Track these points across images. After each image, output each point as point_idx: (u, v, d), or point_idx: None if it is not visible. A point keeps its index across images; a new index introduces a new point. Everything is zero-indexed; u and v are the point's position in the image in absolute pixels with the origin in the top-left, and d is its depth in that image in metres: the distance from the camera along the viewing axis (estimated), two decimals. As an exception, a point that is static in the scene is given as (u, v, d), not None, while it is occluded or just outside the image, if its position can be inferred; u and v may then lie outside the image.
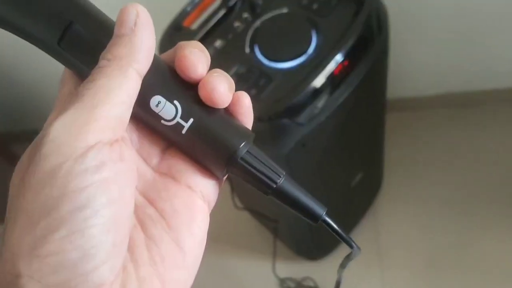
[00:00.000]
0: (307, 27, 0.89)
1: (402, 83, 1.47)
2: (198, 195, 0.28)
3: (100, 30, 0.27)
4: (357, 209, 1.44)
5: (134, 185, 0.25)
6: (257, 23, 0.92)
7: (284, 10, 0.92)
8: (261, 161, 0.27)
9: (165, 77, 0.27)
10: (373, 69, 0.92)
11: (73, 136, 0.22)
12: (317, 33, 0.88)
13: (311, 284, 1.40)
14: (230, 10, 0.95)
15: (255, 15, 0.93)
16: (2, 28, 0.27)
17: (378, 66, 0.97)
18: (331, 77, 0.85)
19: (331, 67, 0.84)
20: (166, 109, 0.26)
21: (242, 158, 0.27)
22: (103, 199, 0.22)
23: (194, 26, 0.98)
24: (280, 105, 0.83)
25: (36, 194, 0.22)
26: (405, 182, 1.52)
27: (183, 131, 0.27)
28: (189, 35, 0.95)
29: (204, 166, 0.28)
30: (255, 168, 0.27)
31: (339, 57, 0.84)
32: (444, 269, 1.39)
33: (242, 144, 0.27)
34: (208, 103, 0.27)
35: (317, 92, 0.84)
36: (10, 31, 0.27)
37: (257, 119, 0.82)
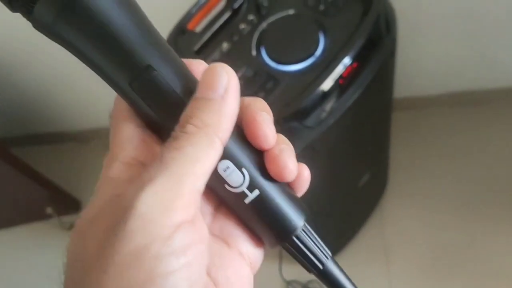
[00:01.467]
0: (314, 29, 0.88)
1: (408, 82, 1.47)
2: (247, 262, 0.27)
3: (179, 81, 0.26)
4: (363, 209, 1.43)
5: (208, 262, 0.24)
6: (263, 25, 0.91)
7: (291, 12, 0.91)
8: (313, 241, 0.27)
9: (236, 141, 0.26)
10: (381, 70, 0.91)
11: (161, 213, 0.21)
12: (325, 34, 0.87)
13: (317, 286, 1.39)
14: (235, 12, 0.94)
15: (261, 17, 0.92)
16: (70, 51, 0.27)
17: (386, 67, 0.96)
18: (340, 80, 0.84)
19: (339, 69, 0.83)
20: (234, 176, 0.26)
21: (297, 236, 0.27)
22: (185, 284, 0.22)
23: (199, 28, 0.96)
24: (288, 109, 0.82)
25: (120, 274, 0.21)
26: (411, 181, 1.51)
27: (246, 201, 0.26)
28: (194, 38, 0.94)
29: (257, 235, 0.28)
30: (307, 247, 0.27)
31: (347, 60, 0.83)
32: (450, 268, 1.38)
33: (302, 225, 0.27)
34: (276, 178, 0.26)
35: (325, 95, 0.83)
36: (77, 57, 0.27)
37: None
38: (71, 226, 1.67)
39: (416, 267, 1.40)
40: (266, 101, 0.86)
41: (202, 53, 0.91)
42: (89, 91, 1.64)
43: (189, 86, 0.26)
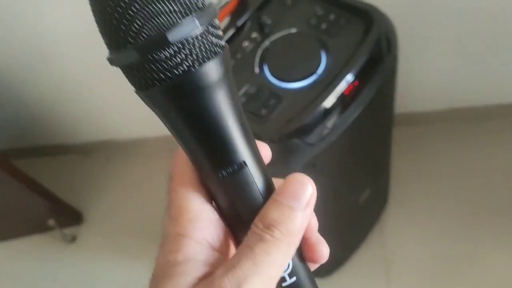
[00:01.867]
0: (316, 47, 0.89)
1: (409, 97, 1.48)
2: None
3: (262, 179, 0.28)
4: (364, 225, 1.44)
5: None
6: (266, 43, 0.92)
7: (293, 30, 0.92)
8: None
9: None
10: (382, 88, 0.92)
11: None
12: (327, 52, 0.88)
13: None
14: (238, 30, 0.96)
15: (264, 35, 0.93)
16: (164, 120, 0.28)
17: (387, 84, 0.97)
18: (342, 98, 0.85)
19: (341, 87, 0.84)
20: None
21: None
22: None
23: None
24: (290, 126, 0.83)
25: None
26: (411, 197, 1.52)
27: (283, 285, 0.29)
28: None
29: None
30: None
31: (349, 77, 0.84)
32: (450, 282, 1.38)
33: None
34: (310, 261, 0.30)
35: (327, 112, 0.84)
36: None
37: (267, 139, 0.82)
38: (72, 239, 1.68)
39: (417, 282, 1.40)
40: (268, 118, 0.87)
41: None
42: (90, 104, 1.66)
43: (269, 185, 0.29)
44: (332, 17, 0.92)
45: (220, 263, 0.27)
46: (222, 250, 0.28)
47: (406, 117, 1.57)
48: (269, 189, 0.29)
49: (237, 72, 0.90)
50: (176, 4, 0.24)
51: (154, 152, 1.83)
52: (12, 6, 1.29)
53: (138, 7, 0.23)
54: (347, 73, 0.84)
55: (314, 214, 0.30)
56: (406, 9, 1.21)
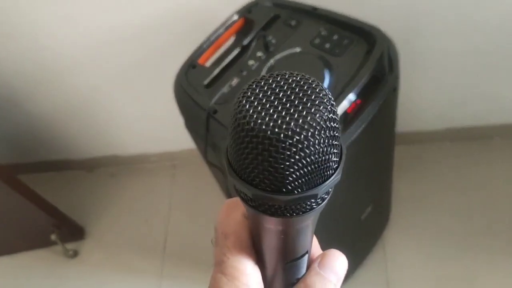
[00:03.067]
0: (320, 66, 0.91)
1: (410, 116, 1.50)
2: None
3: (310, 259, 0.32)
4: (366, 242, 1.44)
5: None
6: (271, 61, 0.94)
7: (297, 49, 0.95)
8: None
9: None
10: (384, 106, 0.94)
11: None
12: (330, 71, 0.91)
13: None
14: (244, 48, 0.98)
15: (269, 53, 0.96)
16: None
17: (389, 103, 0.99)
18: (344, 116, 0.87)
19: (344, 105, 0.86)
20: None
21: None
22: None
23: (209, 63, 1.00)
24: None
25: None
26: (413, 215, 1.53)
27: None
28: (204, 72, 0.97)
29: None
30: None
31: (352, 96, 0.86)
32: (452, 302, 1.39)
33: None
34: None
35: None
36: None
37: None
38: (74, 254, 1.68)
39: (418, 301, 1.40)
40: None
41: (211, 86, 0.95)
42: (95, 120, 1.68)
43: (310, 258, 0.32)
44: (335, 37, 0.94)
45: None
46: None
47: (407, 136, 1.58)
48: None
49: (242, 90, 0.92)
50: (333, 160, 0.25)
51: (158, 168, 1.85)
52: (20, 25, 1.32)
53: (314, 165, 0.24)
54: (349, 91, 0.86)
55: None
56: (407, 30, 1.24)
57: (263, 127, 0.23)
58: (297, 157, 0.23)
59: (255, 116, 0.23)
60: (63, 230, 1.64)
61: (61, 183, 1.87)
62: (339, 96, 0.86)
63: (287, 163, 0.23)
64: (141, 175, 1.85)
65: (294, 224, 0.27)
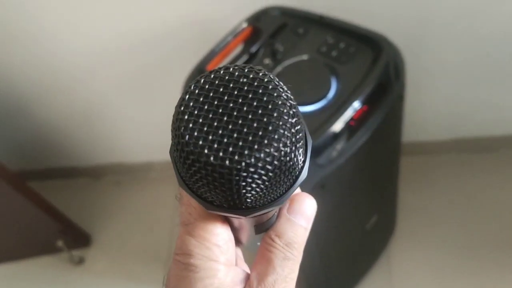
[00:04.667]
0: (327, 73, 0.93)
1: (416, 127, 1.50)
2: None
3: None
4: (371, 252, 1.44)
5: None
6: (279, 68, 0.96)
7: (304, 57, 0.96)
8: None
9: None
10: (390, 114, 0.95)
11: None
12: (337, 79, 0.92)
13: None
14: (252, 56, 1.00)
15: (276, 61, 0.97)
16: None
17: (395, 111, 1.00)
18: (350, 122, 0.88)
19: (350, 112, 0.87)
20: None
21: None
22: None
23: (217, 70, 1.02)
24: (301, 148, 0.86)
25: None
26: (418, 226, 1.52)
27: None
28: (212, 79, 0.98)
29: None
30: None
31: (358, 103, 0.87)
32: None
33: None
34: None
35: (336, 136, 0.87)
36: None
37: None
38: (80, 261, 1.68)
39: (424, 313, 1.39)
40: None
41: (219, 93, 0.96)
42: (102, 128, 1.69)
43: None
44: (342, 45, 0.96)
45: (239, 277, 0.29)
46: (234, 263, 0.30)
47: (413, 147, 1.58)
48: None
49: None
50: (295, 171, 0.24)
51: (164, 176, 1.85)
52: (29, 32, 1.34)
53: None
54: (356, 98, 0.87)
55: None
56: (414, 39, 1.25)
57: (210, 159, 0.20)
58: (253, 185, 0.21)
59: (199, 143, 0.21)
60: (69, 237, 1.65)
61: (68, 191, 1.88)
62: (345, 103, 0.87)
63: (242, 192, 0.22)
64: (147, 184, 1.86)
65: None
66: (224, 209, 0.24)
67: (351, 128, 0.88)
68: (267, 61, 0.98)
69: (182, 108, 0.21)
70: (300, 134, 0.23)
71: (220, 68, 0.23)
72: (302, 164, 0.24)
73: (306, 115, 0.89)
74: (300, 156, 0.24)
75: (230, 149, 0.20)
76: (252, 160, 0.20)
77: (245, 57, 1.00)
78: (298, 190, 0.31)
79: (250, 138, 0.20)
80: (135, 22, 1.30)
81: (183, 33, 1.31)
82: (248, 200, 0.23)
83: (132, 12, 1.28)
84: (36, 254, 1.72)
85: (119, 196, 1.85)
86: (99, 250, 1.73)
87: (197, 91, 0.22)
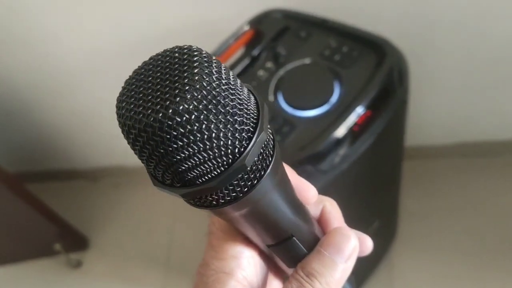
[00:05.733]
0: (330, 78, 0.91)
1: (419, 131, 1.49)
2: None
3: (308, 240, 0.30)
4: (372, 258, 1.42)
5: None
6: (281, 72, 0.94)
7: (307, 61, 0.95)
8: None
9: None
10: (393, 119, 0.94)
11: None
12: (340, 83, 0.91)
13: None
14: (254, 59, 0.98)
15: (279, 64, 0.96)
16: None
17: (398, 116, 0.99)
18: (354, 127, 0.86)
19: (353, 117, 0.86)
20: None
21: None
22: None
23: (218, 73, 1.00)
24: (303, 153, 0.84)
25: None
26: (420, 231, 1.51)
27: None
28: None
29: None
30: None
31: (361, 108, 0.86)
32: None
33: None
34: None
35: (339, 141, 0.86)
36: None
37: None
38: (78, 264, 1.67)
39: (425, 319, 1.38)
40: (282, 145, 0.89)
41: (220, 96, 0.95)
42: (101, 130, 1.68)
43: (315, 236, 0.30)
44: (345, 49, 0.94)
45: None
46: (257, 286, 0.29)
47: (415, 151, 1.57)
48: (315, 239, 0.30)
49: (251, 100, 0.92)
50: (238, 138, 0.23)
51: (163, 180, 1.84)
52: (29, 35, 1.33)
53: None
54: (359, 103, 0.86)
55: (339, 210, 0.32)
56: (417, 44, 1.24)
57: (140, 118, 0.22)
58: (180, 143, 0.22)
59: (128, 113, 0.23)
60: (67, 240, 1.64)
61: (66, 193, 1.87)
62: (348, 108, 0.86)
63: (176, 154, 0.22)
64: (146, 186, 1.83)
65: (240, 209, 0.25)
66: (175, 188, 0.24)
67: (354, 133, 0.87)
68: (269, 64, 0.97)
69: (118, 98, 0.24)
70: (233, 109, 0.22)
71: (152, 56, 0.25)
72: (239, 146, 0.23)
73: (309, 120, 0.87)
74: (230, 132, 0.22)
75: (154, 106, 0.22)
76: (172, 108, 0.21)
77: (246, 60, 0.99)
78: (339, 223, 0.30)
79: (167, 94, 0.21)
80: (136, 25, 1.29)
81: (183, 36, 1.29)
82: (185, 165, 0.22)
83: (133, 15, 1.27)
84: (33, 257, 1.70)
85: (117, 198, 1.84)
86: (97, 254, 1.71)
87: (129, 81, 0.24)
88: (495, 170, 1.58)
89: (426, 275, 1.44)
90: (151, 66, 0.24)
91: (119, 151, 1.78)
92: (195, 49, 0.23)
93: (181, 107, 0.21)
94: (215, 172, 0.23)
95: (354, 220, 1.18)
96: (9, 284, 1.70)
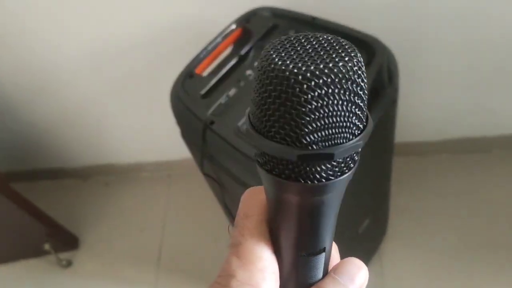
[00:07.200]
0: (319, 77, 0.90)
1: (408, 128, 1.49)
2: None
3: (329, 259, 0.31)
4: (363, 255, 1.42)
5: None
6: (269, 72, 0.93)
7: (296, 60, 0.93)
8: None
9: None
10: (383, 119, 0.93)
11: None
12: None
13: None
14: (242, 58, 0.97)
15: (267, 64, 0.94)
16: None
17: (388, 116, 0.98)
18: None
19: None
20: None
21: None
22: None
23: (206, 73, 0.99)
24: (292, 154, 0.83)
25: None
26: (410, 227, 1.51)
27: None
28: (201, 82, 0.96)
29: None
30: None
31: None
32: (450, 316, 1.37)
33: None
34: None
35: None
36: None
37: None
38: (68, 264, 1.66)
39: (416, 315, 1.38)
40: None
41: (209, 97, 0.94)
42: (90, 128, 1.66)
43: (327, 262, 0.31)
44: (334, 48, 0.93)
45: None
46: None
47: (405, 147, 1.57)
48: (327, 265, 0.31)
49: (240, 100, 0.91)
50: (354, 122, 0.24)
51: (153, 178, 1.83)
52: (18, 35, 1.31)
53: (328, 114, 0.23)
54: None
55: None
56: (407, 42, 1.23)
57: (284, 68, 0.23)
58: (314, 103, 0.23)
59: (279, 63, 0.23)
60: (56, 240, 1.62)
61: (55, 192, 1.85)
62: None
63: (305, 109, 0.23)
64: (136, 185, 1.83)
65: (310, 195, 0.25)
66: (283, 145, 0.24)
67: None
68: (257, 63, 0.95)
69: (270, 51, 0.24)
70: (361, 92, 0.24)
71: (305, 33, 0.25)
72: (357, 133, 0.25)
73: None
74: (356, 119, 0.24)
75: (299, 64, 0.23)
76: (316, 71, 0.22)
77: (234, 60, 0.97)
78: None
79: (319, 61, 0.23)
80: (124, 25, 1.28)
81: (173, 36, 1.28)
82: (308, 127, 0.23)
83: (122, 15, 1.25)
84: (23, 257, 1.68)
85: (107, 197, 1.82)
86: (87, 253, 1.70)
87: (285, 40, 0.25)
88: (483, 165, 1.58)
89: (416, 268, 1.45)
90: (303, 39, 0.25)
91: (109, 149, 1.77)
92: (347, 42, 0.25)
93: (348, 65, 0.23)
94: (332, 142, 0.24)
95: (346, 220, 1.18)
96: (-2, 285, 1.69)
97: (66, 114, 1.60)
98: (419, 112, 1.49)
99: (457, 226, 1.49)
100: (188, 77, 0.97)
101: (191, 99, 0.93)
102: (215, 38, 1.00)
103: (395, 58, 0.95)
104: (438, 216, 1.53)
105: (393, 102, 0.96)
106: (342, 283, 0.29)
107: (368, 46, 0.91)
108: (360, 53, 0.79)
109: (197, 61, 0.99)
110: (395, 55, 0.95)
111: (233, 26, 1.01)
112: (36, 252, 1.64)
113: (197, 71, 0.98)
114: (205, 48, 0.99)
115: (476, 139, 1.58)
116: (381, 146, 1.07)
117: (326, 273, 0.31)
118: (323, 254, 0.29)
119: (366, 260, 1.44)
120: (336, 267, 0.30)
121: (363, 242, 1.35)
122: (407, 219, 1.52)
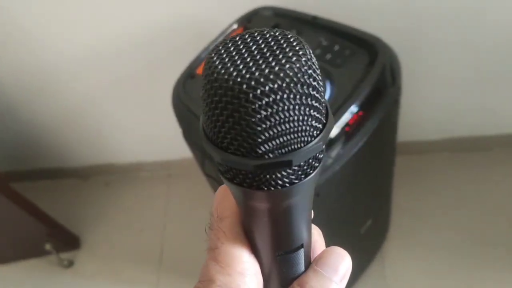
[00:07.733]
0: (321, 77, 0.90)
1: (409, 127, 1.48)
2: None
3: (309, 253, 0.30)
4: (365, 254, 1.42)
5: None
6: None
7: (298, 60, 0.93)
8: None
9: None
10: (385, 118, 0.93)
11: None
12: (331, 83, 0.89)
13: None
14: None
15: (269, 64, 0.94)
16: None
17: (391, 116, 0.98)
18: (346, 128, 0.85)
19: (345, 118, 0.84)
20: None
21: None
22: None
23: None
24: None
25: None
26: (412, 226, 1.51)
27: None
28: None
29: None
30: None
31: (353, 108, 0.85)
32: (451, 315, 1.37)
33: None
34: None
35: (331, 142, 0.84)
36: None
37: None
38: (69, 264, 1.65)
39: (417, 314, 1.38)
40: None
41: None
42: (90, 128, 1.66)
43: (309, 254, 0.30)
44: (336, 48, 0.93)
45: None
46: None
47: (406, 146, 1.57)
48: (308, 258, 0.30)
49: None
50: (311, 123, 0.23)
51: (153, 178, 1.82)
52: (18, 35, 1.31)
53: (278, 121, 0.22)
54: (351, 103, 0.85)
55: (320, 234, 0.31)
56: (407, 42, 1.23)
57: (226, 78, 0.21)
58: (263, 112, 0.21)
59: (222, 72, 0.22)
60: (57, 240, 1.62)
61: (55, 192, 1.85)
62: (340, 108, 0.85)
63: (254, 118, 0.21)
64: (137, 184, 1.83)
65: (276, 200, 0.25)
66: (237, 156, 0.23)
67: (346, 134, 0.86)
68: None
69: (213, 58, 0.23)
70: (315, 93, 0.23)
71: (251, 30, 0.24)
72: (316, 133, 0.23)
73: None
74: (313, 120, 0.23)
75: (243, 71, 0.21)
76: (261, 78, 0.21)
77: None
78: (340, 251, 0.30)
79: (264, 66, 0.21)
80: (124, 25, 1.27)
81: (174, 36, 1.28)
82: (261, 137, 0.22)
83: (122, 14, 1.25)
84: (24, 257, 1.68)
85: (108, 197, 1.82)
86: (89, 253, 1.69)
87: (229, 42, 0.23)
88: (484, 164, 1.58)
89: (418, 267, 1.44)
90: (249, 39, 0.23)
91: (109, 149, 1.77)
92: (294, 38, 0.23)
93: (276, 77, 0.21)
94: (289, 148, 0.23)
95: (348, 220, 1.18)
96: (0, 285, 1.69)
97: (66, 114, 1.60)
98: (420, 111, 1.49)
99: (458, 225, 1.49)
100: (189, 77, 0.97)
101: (193, 99, 0.93)
102: (217, 37, 0.99)
103: (398, 58, 0.94)
104: (439, 215, 1.52)
105: (396, 102, 0.96)
106: (326, 276, 0.28)
107: (371, 46, 0.91)
108: (362, 53, 0.78)
109: (198, 61, 0.98)
110: (397, 54, 0.95)
111: (235, 26, 1.01)
112: (37, 252, 1.64)
113: (198, 71, 0.98)
114: (206, 48, 0.99)
115: (476, 138, 1.58)
116: (383, 146, 1.07)
117: (309, 264, 0.30)
118: (302, 250, 0.29)
119: (369, 260, 1.44)
120: (319, 258, 0.29)
121: (365, 243, 1.34)
122: (409, 219, 1.52)
